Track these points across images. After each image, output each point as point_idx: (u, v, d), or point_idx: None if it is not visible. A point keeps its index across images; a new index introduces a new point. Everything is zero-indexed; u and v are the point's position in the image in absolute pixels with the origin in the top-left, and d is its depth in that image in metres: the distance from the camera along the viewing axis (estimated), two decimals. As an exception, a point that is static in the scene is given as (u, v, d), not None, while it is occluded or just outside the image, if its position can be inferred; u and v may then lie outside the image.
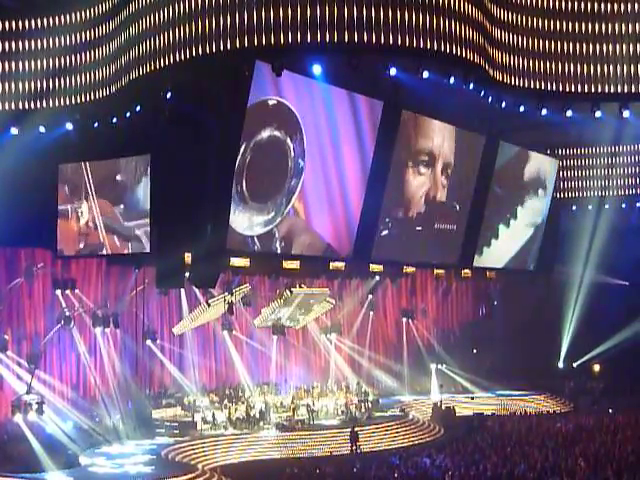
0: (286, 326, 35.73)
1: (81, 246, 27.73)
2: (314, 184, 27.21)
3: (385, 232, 30.58)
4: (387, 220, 30.56)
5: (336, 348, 38.86)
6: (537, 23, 22.69)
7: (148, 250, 26.16)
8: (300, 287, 34.32)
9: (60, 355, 29.91)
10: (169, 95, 22.01)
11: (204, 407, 31.51)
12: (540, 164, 37.08)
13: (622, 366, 38.86)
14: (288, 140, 25.89)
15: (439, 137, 31.25)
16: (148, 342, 31.36)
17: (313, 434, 30.10)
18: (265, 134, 25.23)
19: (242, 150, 24.45)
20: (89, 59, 23.00)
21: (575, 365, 42.82)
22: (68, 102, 23.39)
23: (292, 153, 26.13)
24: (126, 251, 27.04)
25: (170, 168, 24.56)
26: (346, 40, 18.58)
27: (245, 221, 25.61)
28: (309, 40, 18.60)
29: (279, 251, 27.11)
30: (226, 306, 30.11)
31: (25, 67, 23.49)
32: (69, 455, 25.01)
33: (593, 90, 22.84)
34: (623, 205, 38.78)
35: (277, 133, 25.58)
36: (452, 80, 22.02)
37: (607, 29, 22.71)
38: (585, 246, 39.95)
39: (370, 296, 40.12)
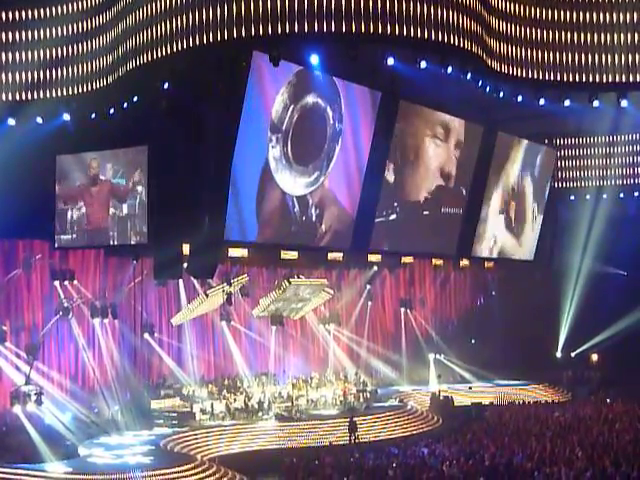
0: (284, 316, 35.76)
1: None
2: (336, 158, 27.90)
3: (393, 216, 30.75)
4: (395, 204, 30.71)
5: (334, 338, 38.89)
6: (535, 13, 22.65)
7: (146, 241, 26.16)
8: (298, 277, 34.34)
9: (58, 346, 29.89)
10: (166, 86, 21.95)
11: (203, 398, 31.55)
12: (537, 154, 37.13)
13: (620, 356, 38.90)
14: (328, 108, 26.84)
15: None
16: (146, 335, 31.36)
17: (312, 424, 30.15)
18: (310, 100, 26.19)
19: (290, 112, 25.43)
20: (86, 49, 22.94)
21: (573, 355, 42.89)
22: (65, 93, 23.33)
23: (331, 120, 27.06)
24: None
25: (168, 159, 24.51)
26: (343, 30, 18.54)
27: (290, 181, 26.66)
28: (306, 30, 18.56)
29: (314, 218, 28.01)
30: (224, 297, 30.10)
31: (22, 58, 23.41)
32: (68, 446, 25.07)
33: (591, 80, 22.81)
34: (621, 195, 38.81)
35: (319, 100, 26.50)
36: (450, 70, 21.96)
37: (605, 18, 22.66)
38: (583, 236, 39.96)
39: (368, 286, 40.13)
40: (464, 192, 33.69)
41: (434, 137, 31.37)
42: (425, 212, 32.20)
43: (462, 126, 32.30)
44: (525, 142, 35.60)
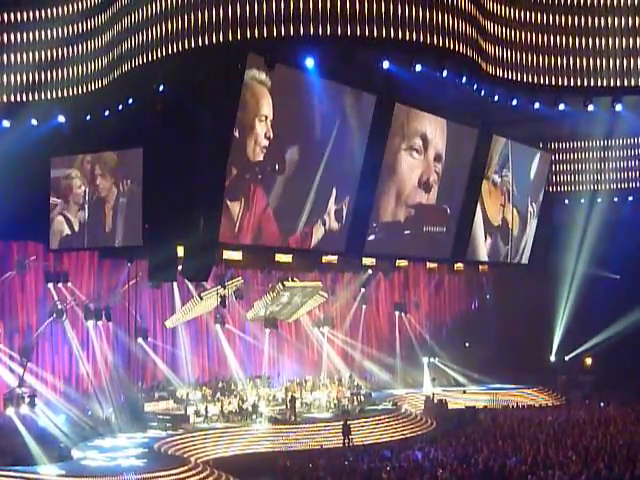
0: (278, 319, 35.74)
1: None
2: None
3: (372, 237, 30.38)
4: (374, 225, 30.33)
5: (329, 341, 38.93)
6: (530, 16, 22.70)
7: (140, 243, 26.11)
8: (293, 281, 34.32)
9: (52, 348, 29.88)
10: (161, 88, 21.94)
11: (197, 400, 31.52)
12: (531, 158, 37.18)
13: (614, 359, 38.98)
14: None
15: (432, 126, 31.21)
16: (140, 340, 31.32)
17: (306, 428, 30.13)
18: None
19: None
20: (81, 51, 22.93)
21: (567, 358, 42.94)
22: (60, 95, 23.31)
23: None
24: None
25: (162, 161, 24.44)
26: (339, 33, 18.55)
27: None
28: (302, 33, 18.58)
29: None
30: (219, 299, 30.08)
31: (17, 59, 23.40)
32: (61, 448, 25.02)
33: (586, 84, 22.86)
34: (615, 199, 38.84)
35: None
36: (445, 73, 21.96)
37: (600, 22, 22.72)
38: (577, 240, 40.04)
39: (363, 289, 40.16)
40: (448, 210, 33.46)
41: (410, 150, 31.02)
42: (406, 231, 31.85)
43: (444, 140, 31.54)
44: (503, 140, 35.30)
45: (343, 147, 27.69)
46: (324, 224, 28.08)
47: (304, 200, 27.19)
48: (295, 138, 26.00)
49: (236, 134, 23.90)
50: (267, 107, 24.48)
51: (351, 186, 28.61)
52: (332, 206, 28.14)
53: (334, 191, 27.96)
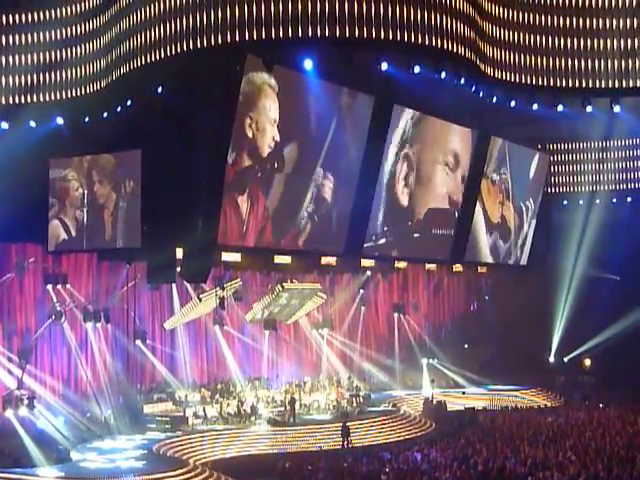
0: (277, 321, 35.72)
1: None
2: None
3: (382, 241, 30.57)
4: (385, 229, 30.56)
5: (328, 343, 38.90)
6: (528, 18, 22.72)
7: (139, 245, 26.10)
8: (291, 282, 34.31)
9: (51, 350, 29.82)
10: (160, 90, 21.94)
11: (195, 402, 31.49)
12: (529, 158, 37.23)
13: (613, 361, 38.96)
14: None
15: (462, 140, 32.03)
16: (138, 342, 31.28)
17: (305, 429, 30.12)
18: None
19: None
20: (80, 53, 22.95)
21: (566, 360, 42.92)
22: (59, 96, 23.33)
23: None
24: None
25: (161, 163, 24.47)
26: (337, 35, 18.57)
27: None
28: (300, 35, 18.59)
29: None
30: (217, 301, 30.06)
31: (16, 61, 23.42)
32: (60, 450, 24.97)
33: (584, 85, 22.88)
34: (614, 200, 38.88)
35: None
36: (443, 75, 21.99)
37: (598, 24, 22.74)
38: (576, 241, 40.05)
39: (361, 291, 40.13)
40: (456, 214, 33.65)
41: (445, 165, 31.50)
42: (416, 235, 32.10)
43: (468, 152, 32.50)
44: (501, 141, 35.44)
45: (340, 148, 27.73)
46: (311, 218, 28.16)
47: (301, 200, 27.23)
48: (293, 137, 26.04)
49: (250, 134, 24.23)
50: (275, 110, 24.78)
51: (344, 183, 28.68)
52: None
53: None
